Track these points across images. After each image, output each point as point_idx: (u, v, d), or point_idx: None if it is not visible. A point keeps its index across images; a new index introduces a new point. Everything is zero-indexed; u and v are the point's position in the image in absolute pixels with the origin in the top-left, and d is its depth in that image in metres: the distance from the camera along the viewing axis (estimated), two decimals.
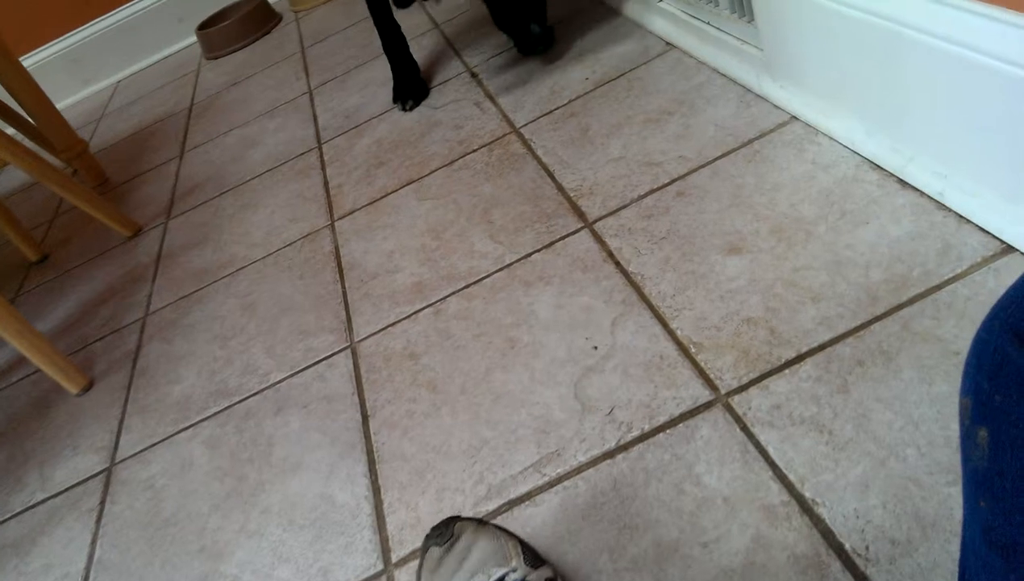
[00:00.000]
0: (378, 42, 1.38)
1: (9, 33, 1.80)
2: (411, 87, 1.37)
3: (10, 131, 2.11)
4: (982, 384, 0.37)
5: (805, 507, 0.57)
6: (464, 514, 0.66)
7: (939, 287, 0.67)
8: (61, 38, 2.37)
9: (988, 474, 0.35)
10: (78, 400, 1.05)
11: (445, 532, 0.59)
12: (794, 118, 0.92)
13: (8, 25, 2.19)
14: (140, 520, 0.82)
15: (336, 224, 1.15)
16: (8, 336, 1.00)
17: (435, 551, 0.58)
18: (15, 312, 1.01)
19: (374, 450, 0.77)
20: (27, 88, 1.60)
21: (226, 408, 0.90)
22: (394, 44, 1.38)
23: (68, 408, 1.04)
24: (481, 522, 0.60)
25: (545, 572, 0.54)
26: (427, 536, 0.60)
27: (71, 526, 0.85)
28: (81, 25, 2.34)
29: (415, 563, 0.65)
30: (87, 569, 0.79)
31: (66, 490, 0.91)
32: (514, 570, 0.53)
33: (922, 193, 0.75)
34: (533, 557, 0.57)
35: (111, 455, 0.92)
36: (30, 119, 1.65)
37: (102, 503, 0.86)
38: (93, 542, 0.82)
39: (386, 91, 1.45)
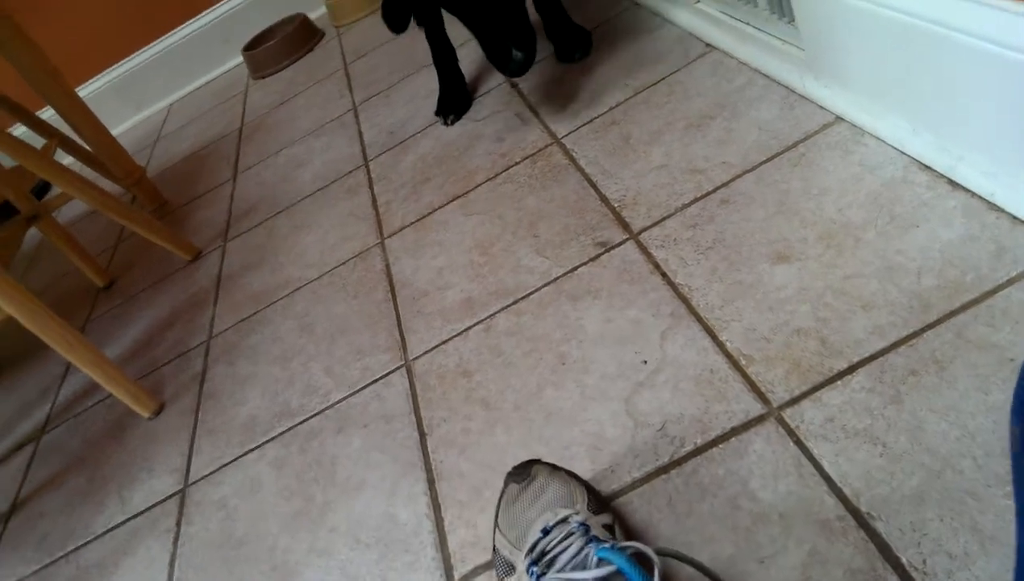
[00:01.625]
0: (420, 55, 1.40)
1: (64, 65, 1.88)
2: (456, 100, 1.39)
3: (68, 160, 2.21)
4: None
5: (861, 521, 0.57)
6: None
7: (993, 292, 0.66)
8: (113, 67, 2.46)
9: None
10: (150, 423, 1.10)
11: (524, 472, 0.65)
12: (839, 119, 0.91)
13: (62, 58, 2.29)
14: (214, 540, 0.86)
15: (386, 242, 1.18)
16: (82, 365, 1.06)
17: (513, 487, 0.65)
18: (85, 342, 1.06)
19: (433, 468, 0.79)
20: (85, 119, 1.68)
21: (290, 428, 0.94)
22: (445, 58, 1.40)
23: (141, 431, 1.09)
24: (555, 467, 0.66)
25: (604, 518, 0.60)
26: (509, 473, 0.66)
27: (150, 546, 0.90)
28: (131, 53, 2.43)
29: (477, 580, 0.67)
30: None
31: (144, 511, 0.96)
32: (577, 513, 0.58)
33: (973, 194, 0.74)
34: (597, 503, 0.63)
35: (184, 477, 0.97)
36: (89, 148, 1.72)
37: (178, 524, 0.91)
38: (171, 563, 0.87)
39: (429, 104, 1.47)
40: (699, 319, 0.79)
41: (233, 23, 2.42)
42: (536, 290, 0.93)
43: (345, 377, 0.97)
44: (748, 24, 1.06)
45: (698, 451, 0.68)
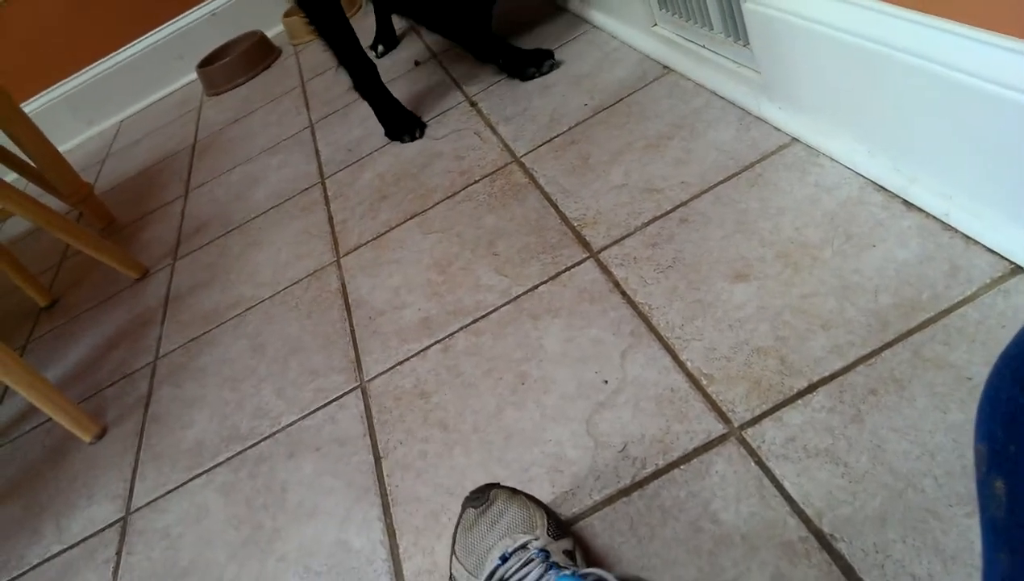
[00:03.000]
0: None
1: (10, 80, 1.82)
2: (403, 121, 1.37)
3: (12, 177, 2.13)
4: (996, 432, 0.37)
5: (824, 542, 0.57)
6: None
7: (949, 311, 0.66)
8: (62, 82, 2.39)
9: (1007, 525, 0.34)
10: (92, 448, 1.05)
11: (482, 496, 0.63)
12: (795, 140, 0.92)
13: (8, 72, 2.21)
14: (157, 571, 0.81)
15: (342, 260, 1.15)
16: (19, 388, 1.01)
17: (471, 512, 0.63)
18: (23, 363, 1.01)
19: (388, 493, 0.77)
20: (30, 134, 1.62)
21: (239, 453, 0.90)
22: (368, 82, 1.36)
23: (82, 456, 1.04)
24: (514, 491, 0.64)
25: (565, 543, 0.59)
26: (466, 498, 0.65)
27: (88, 579, 0.85)
28: (83, 67, 2.37)
29: None
30: None
31: (82, 541, 0.91)
32: (536, 538, 0.57)
33: (928, 214, 0.75)
34: (557, 528, 0.61)
35: (126, 504, 0.92)
36: (34, 164, 1.66)
37: (119, 553, 0.86)
38: None
39: None
40: (660, 338, 0.78)
41: (188, 39, 2.37)
42: (495, 309, 0.91)
43: (297, 399, 0.94)
44: (704, 47, 1.07)
45: (660, 472, 0.67)
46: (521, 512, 0.61)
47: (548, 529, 0.59)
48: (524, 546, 0.56)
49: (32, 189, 1.87)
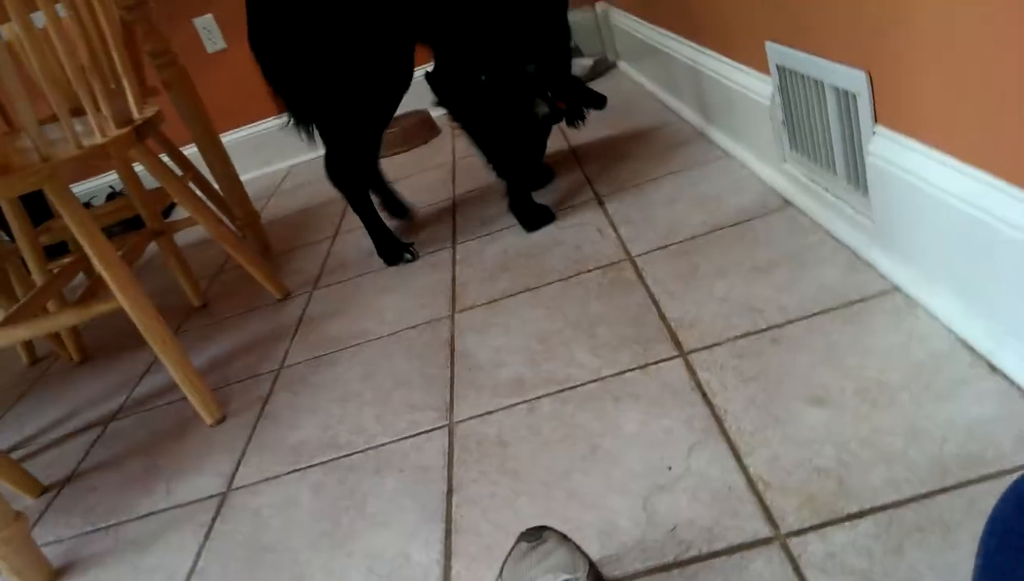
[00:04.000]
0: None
1: (215, 113, 2.12)
2: (394, 246, 1.56)
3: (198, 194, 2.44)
4: (990, 545, 0.42)
5: None
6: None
7: (1011, 472, 0.69)
8: (253, 124, 2.75)
9: None
10: (210, 430, 1.19)
11: (537, 534, 0.70)
12: (896, 289, 0.97)
13: (216, 108, 2.57)
14: (242, 542, 0.92)
15: (456, 316, 1.27)
16: (168, 364, 1.17)
17: (523, 545, 0.69)
18: (178, 344, 1.18)
19: (453, 521, 0.85)
20: (221, 161, 1.89)
21: (333, 460, 1.02)
22: (372, 216, 1.58)
23: (201, 435, 1.19)
24: (566, 537, 0.70)
25: None
26: (522, 533, 0.71)
27: (184, 536, 0.97)
28: (269, 116, 2.71)
29: None
30: (189, 575, 0.90)
31: (186, 504, 1.04)
32: (576, 579, 0.64)
33: (1010, 380, 0.78)
34: (595, 576, 0.67)
35: (229, 481, 1.05)
36: (217, 187, 1.92)
37: (213, 521, 0.98)
38: (199, 553, 0.93)
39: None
40: (728, 439, 0.83)
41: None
42: (583, 384, 1.00)
43: (393, 425, 1.04)
44: (826, 189, 1.14)
45: (702, 558, 0.71)
46: (568, 555, 0.67)
47: (588, 574, 0.66)
48: None
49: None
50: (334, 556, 0.85)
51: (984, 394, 0.78)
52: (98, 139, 1.14)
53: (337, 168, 1.53)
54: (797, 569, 0.67)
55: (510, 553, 0.71)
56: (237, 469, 1.07)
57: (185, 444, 1.18)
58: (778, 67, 1.18)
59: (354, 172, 1.54)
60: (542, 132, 1.61)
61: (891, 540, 0.67)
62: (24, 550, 0.95)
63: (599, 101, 1.55)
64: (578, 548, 0.70)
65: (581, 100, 1.53)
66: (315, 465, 1.02)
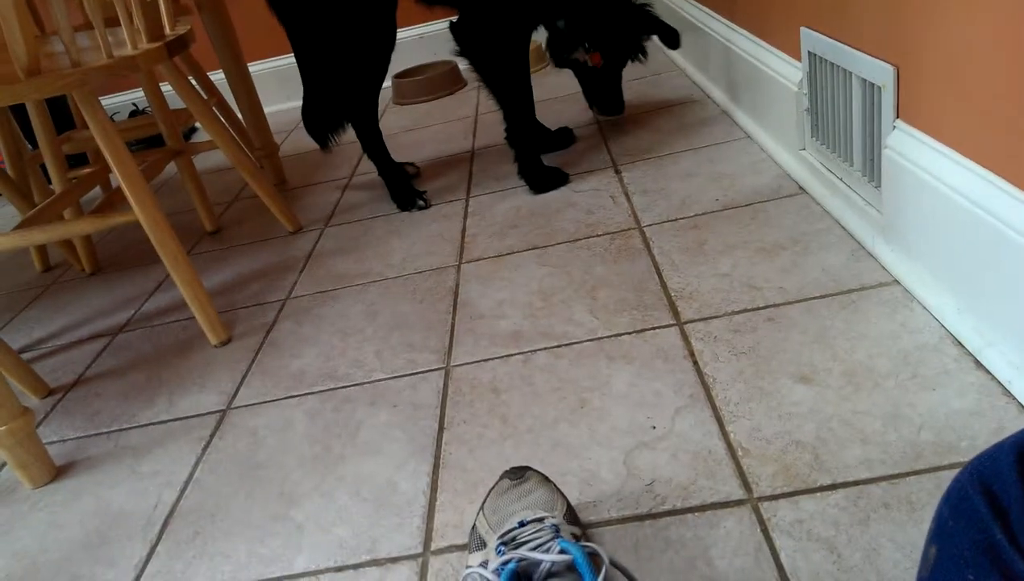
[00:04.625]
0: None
1: (245, 42, 2.12)
2: (409, 191, 1.58)
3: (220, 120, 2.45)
4: (944, 513, 0.45)
5: None
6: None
7: None
8: (281, 56, 2.74)
9: None
10: (215, 350, 1.23)
11: (519, 473, 0.73)
12: (896, 281, 0.99)
13: (246, 36, 2.57)
14: (238, 458, 0.96)
15: (462, 266, 1.30)
16: (179, 282, 1.20)
17: (506, 482, 0.73)
18: (189, 263, 1.21)
19: (441, 457, 0.88)
20: (246, 90, 1.89)
21: (331, 390, 1.05)
22: (387, 162, 1.60)
23: (205, 354, 1.22)
24: (547, 478, 0.74)
25: (574, 529, 0.68)
26: (505, 471, 0.74)
27: (182, 447, 1.01)
28: None
29: (450, 556, 0.75)
30: (186, 483, 0.94)
31: (186, 418, 1.07)
32: (553, 517, 0.67)
33: (993, 377, 0.80)
34: (571, 516, 0.70)
35: (229, 400, 1.08)
36: (239, 115, 1.93)
37: (212, 436, 1.02)
38: (196, 464, 0.97)
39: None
40: (713, 407, 0.86)
41: (394, 52, 2.66)
42: (579, 342, 1.02)
43: (391, 362, 1.07)
44: (840, 179, 1.16)
45: (675, 512, 0.75)
46: (547, 495, 0.71)
47: (564, 515, 0.69)
48: (541, 520, 0.66)
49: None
50: (325, 478, 0.89)
51: (966, 388, 0.80)
52: (129, 51, 1.15)
53: (315, 115, 1.62)
54: (765, 531, 0.70)
55: (493, 488, 0.74)
56: (238, 390, 1.10)
57: (190, 361, 1.21)
58: (810, 53, 1.19)
59: (355, 113, 1.58)
60: (604, 81, 1.63)
61: (858, 513, 0.70)
62: (29, 444, 0.99)
63: (672, 37, 1.56)
64: (558, 489, 0.73)
65: (646, 31, 1.55)
66: (313, 393, 1.05)
